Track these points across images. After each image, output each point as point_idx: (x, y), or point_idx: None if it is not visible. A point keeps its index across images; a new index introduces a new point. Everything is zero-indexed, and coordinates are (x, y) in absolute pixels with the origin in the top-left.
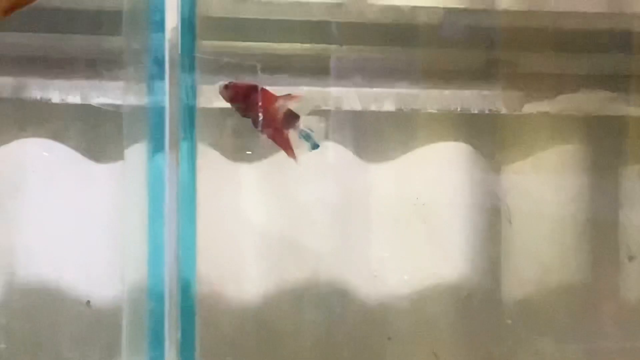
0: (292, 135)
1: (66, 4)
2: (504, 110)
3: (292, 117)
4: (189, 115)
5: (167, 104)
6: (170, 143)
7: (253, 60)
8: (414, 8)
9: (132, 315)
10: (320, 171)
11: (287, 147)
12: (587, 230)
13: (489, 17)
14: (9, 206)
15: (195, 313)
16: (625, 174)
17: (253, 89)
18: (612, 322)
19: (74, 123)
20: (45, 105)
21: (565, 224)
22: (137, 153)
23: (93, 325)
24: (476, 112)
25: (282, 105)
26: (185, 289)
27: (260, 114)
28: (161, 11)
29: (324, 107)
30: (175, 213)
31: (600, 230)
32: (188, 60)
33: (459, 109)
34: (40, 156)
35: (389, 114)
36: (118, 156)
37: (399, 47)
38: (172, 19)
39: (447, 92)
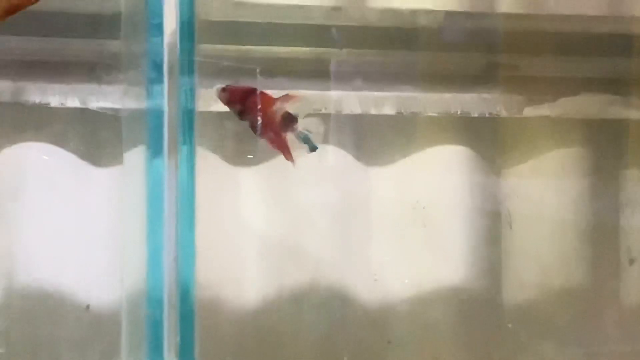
0: (290, 137)
1: (65, 8)
2: (504, 114)
3: (289, 119)
4: (188, 119)
5: (166, 108)
6: (170, 147)
7: (252, 63)
8: (414, 11)
9: (132, 319)
10: (320, 175)
11: (285, 150)
12: (588, 233)
13: (489, 20)
14: (7, 210)
15: (195, 317)
16: (625, 177)
17: (250, 91)
18: (613, 325)
19: (72, 127)
20: (44, 109)
21: (566, 228)
22: (136, 157)
23: (92, 330)
24: (476, 115)
25: (279, 108)
26: (185, 294)
27: (258, 117)
28: (160, 15)
29: (323, 111)
30: (175, 217)
31: (600, 234)
32: (187, 64)
33: (459, 113)
34: (39, 160)
35: (389, 117)
36: (117, 160)
37: (399, 51)
38: (171, 22)
39: (447, 95)
